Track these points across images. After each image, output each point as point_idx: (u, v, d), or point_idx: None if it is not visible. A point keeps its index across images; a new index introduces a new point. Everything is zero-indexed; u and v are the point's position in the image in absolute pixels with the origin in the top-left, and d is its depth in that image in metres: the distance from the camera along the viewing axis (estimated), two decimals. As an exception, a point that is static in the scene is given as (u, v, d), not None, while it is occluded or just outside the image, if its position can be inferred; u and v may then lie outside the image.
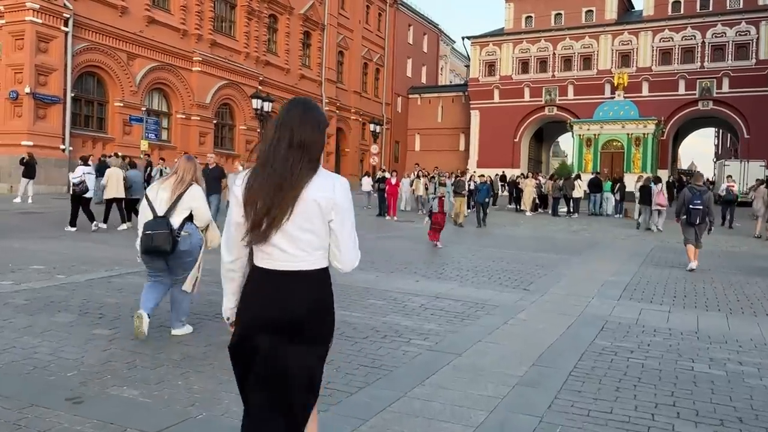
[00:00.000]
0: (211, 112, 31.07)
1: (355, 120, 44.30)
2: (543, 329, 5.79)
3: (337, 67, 42.28)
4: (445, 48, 61.26)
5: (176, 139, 29.65)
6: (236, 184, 2.22)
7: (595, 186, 24.07)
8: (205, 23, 30.52)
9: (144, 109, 27.28)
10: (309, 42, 39.29)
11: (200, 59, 29.90)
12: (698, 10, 39.78)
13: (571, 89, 43.05)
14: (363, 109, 44.76)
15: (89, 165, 12.87)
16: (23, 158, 19.51)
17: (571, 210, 23.40)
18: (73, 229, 12.16)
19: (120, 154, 14.40)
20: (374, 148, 35.90)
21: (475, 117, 46.32)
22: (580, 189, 23.13)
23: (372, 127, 35.29)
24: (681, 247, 13.96)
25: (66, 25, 23.55)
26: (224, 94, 31.90)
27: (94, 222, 12.58)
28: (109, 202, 13.18)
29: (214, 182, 12.69)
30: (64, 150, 23.72)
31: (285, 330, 2.16)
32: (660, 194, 17.13)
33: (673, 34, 40.20)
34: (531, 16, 45.05)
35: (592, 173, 27.59)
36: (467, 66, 52.97)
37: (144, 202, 5.02)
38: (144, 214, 4.95)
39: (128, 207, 13.27)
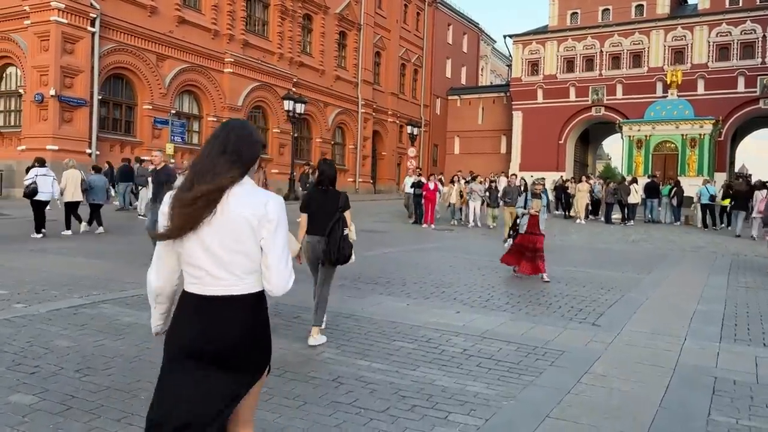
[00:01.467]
0: (244, 114, 30.03)
1: (392, 122, 42.89)
2: (633, 393, 4.21)
3: (374, 68, 40.96)
4: (486, 48, 59.38)
5: (207, 142, 28.66)
6: (164, 202, 2.15)
7: (652, 191, 22.02)
8: (237, 23, 29.55)
9: (173, 111, 26.42)
10: (344, 42, 38.07)
11: (232, 60, 28.94)
12: (758, 2, 37.10)
13: (619, 88, 40.77)
14: (400, 111, 43.33)
15: (45, 167, 12.22)
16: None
17: (627, 217, 21.44)
18: (39, 235, 11.74)
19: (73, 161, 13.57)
20: (411, 151, 34.46)
21: (517, 118, 44.40)
22: (636, 194, 21.16)
23: (409, 129, 33.86)
24: (763, 261, 12.11)
25: (93, 25, 22.77)
26: (257, 97, 30.88)
27: (83, 222, 12.84)
28: (68, 206, 12.74)
29: (161, 188, 8.66)
30: (90, 154, 22.91)
31: (213, 359, 2.06)
32: (764, 201, 15.10)
33: (731, 28, 37.59)
34: (576, 13, 42.91)
35: (648, 177, 25.47)
36: (509, 66, 51.07)
37: None
38: None
39: (93, 212, 13.32)
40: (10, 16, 22.53)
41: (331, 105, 36.38)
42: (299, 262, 5.33)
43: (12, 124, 23.62)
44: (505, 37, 45.75)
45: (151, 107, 25.16)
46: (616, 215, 21.97)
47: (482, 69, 58.29)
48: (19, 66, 22.83)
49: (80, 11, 22.26)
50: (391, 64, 42.57)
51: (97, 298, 6.41)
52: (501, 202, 16.73)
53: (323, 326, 5.36)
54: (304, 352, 4.91)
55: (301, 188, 23.40)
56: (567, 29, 42.70)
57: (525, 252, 9.02)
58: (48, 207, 12.17)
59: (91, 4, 22.62)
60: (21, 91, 22.77)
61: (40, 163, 12.21)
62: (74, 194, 12.48)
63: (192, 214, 2.02)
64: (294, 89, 31.72)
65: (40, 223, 11.85)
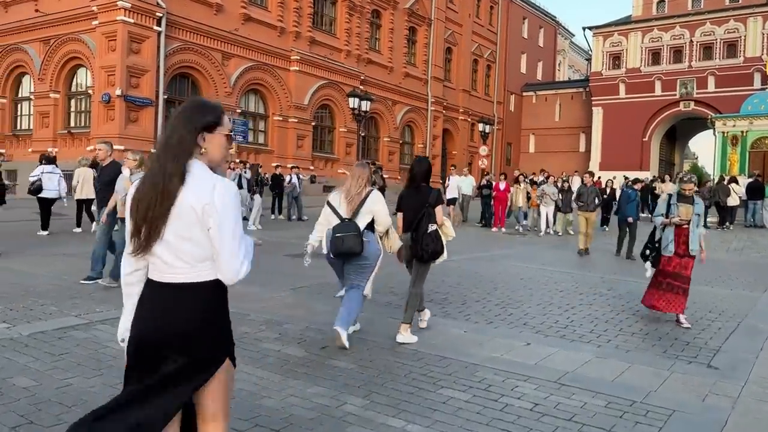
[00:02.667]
0: (310, 113, 29.43)
1: (464, 120, 41.34)
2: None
3: (445, 64, 39.55)
4: (563, 42, 56.73)
5: (273, 142, 28.23)
6: (129, 192, 2.17)
7: (755, 191, 19.64)
8: (304, 20, 28.93)
9: (239, 111, 26.06)
10: (414, 38, 36.88)
11: (298, 58, 28.33)
12: None
13: (711, 81, 37.62)
14: (472, 108, 41.71)
15: (52, 164, 12.31)
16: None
17: (724, 221, 19.21)
18: (45, 233, 11.86)
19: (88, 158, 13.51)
20: (483, 150, 32.84)
21: (597, 114, 41.89)
22: (735, 195, 18.90)
23: (481, 126, 32.26)
24: None
25: (159, 24, 22.60)
26: (323, 95, 30.18)
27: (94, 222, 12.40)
28: (80, 203, 12.72)
29: (105, 188, 7.74)
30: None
31: (166, 347, 2.03)
32: None
33: (840, 11, 33.94)
34: (663, 1, 40.01)
35: (751, 177, 22.91)
36: (588, 60, 48.48)
37: (327, 208, 5.23)
38: (328, 220, 5.16)
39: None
40: (79, 17, 22.67)
41: (400, 103, 35.29)
42: (399, 261, 5.52)
43: (82, 124, 23.82)
44: (584, 29, 43.31)
45: (232, 109, 24.82)
46: (712, 219, 19.76)
47: (559, 64, 55.73)
48: (88, 67, 22.94)
49: (146, 10, 22.12)
50: (462, 60, 41.04)
51: (97, 316, 5.53)
52: (575, 206, 14.62)
53: (425, 325, 5.55)
54: (320, 402, 3.76)
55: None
56: (653, 18, 39.85)
57: (664, 279, 6.38)
58: (65, 203, 12.50)
59: (158, 3, 22.45)
60: (90, 91, 22.89)
61: (47, 160, 12.19)
62: (86, 192, 12.29)
63: (155, 222, 2.04)
64: (361, 87, 30.85)
65: (46, 221, 11.92)
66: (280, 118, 28.14)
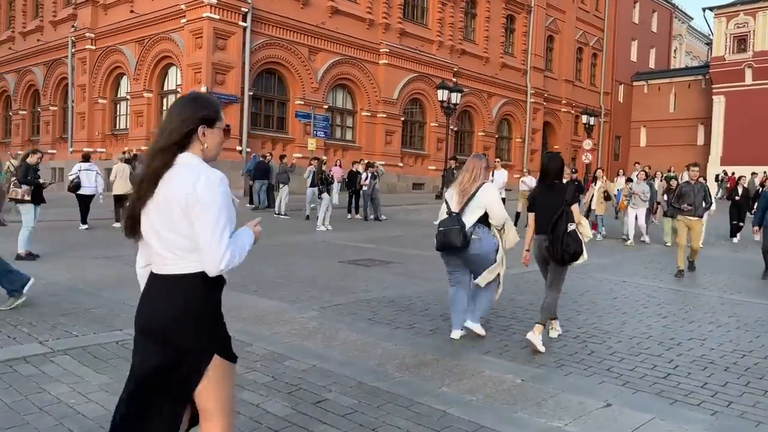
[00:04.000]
0: (399, 108, 28.36)
1: (566, 113, 38.70)
2: None
3: (546, 53, 37.15)
4: (680, 26, 52.14)
5: (361, 138, 27.43)
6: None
7: None
8: (394, 11, 27.87)
9: (325, 107, 25.44)
10: (513, 27, 34.84)
11: (387, 51, 27.33)
12: None
13: None
14: (576, 99, 38.97)
15: (89, 162, 12.92)
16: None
17: None
18: (85, 227, 12.54)
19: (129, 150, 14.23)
20: (587, 143, 30.43)
21: (718, 104, 37.91)
22: None
23: (585, 118, 29.96)
24: None
25: (244, 20, 22.34)
26: (414, 89, 29.00)
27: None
28: (117, 199, 13.12)
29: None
30: (240, 151, 22.57)
31: (151, 335, 2.10)
32: None
33: None
34: (799, -26, 35.51)
35: None
36: (708, 44, 44.15)
37: (443, 203, 5.22)
38: (441, 213, 5.16)
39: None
40: (169, 16, 22.86)
41: (496, 95, 33.45)
42: (525, 263, 5.30)
43: (173, 123, 24.04)
44: (704, 10, 39.43)
45: (303, 102, 24.30)
46: None
47: (675, 50, 51.30)
48: (178, 65, 23.10)
49: (232, 6, 21.90)
50: (565, 48, 38.44)
51: (71, 342, 4.64)
52: (684, 207, 11.83)
53: (555, 335, 5.41)
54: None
55: (443, 186, 20.79)
56: (786, -6, 35.48)
57: None
58: (101, 200, 13.41)
59: (243, -1, 22.20)
60: (178, 90, 23.02)
61: (84, 158, 12.92)
62: (123, 187, 12.72)
63: (137, 208, 2.13)
64: (454, 79, 29.41)
65: (84, 216, 12.56)
66: (368, 114, 27.29)
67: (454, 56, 30.79)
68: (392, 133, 28.16)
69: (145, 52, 24.00)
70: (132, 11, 24.37)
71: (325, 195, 13.84)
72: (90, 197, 12.70)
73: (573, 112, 38.62)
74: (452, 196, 5.07)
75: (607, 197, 14.37)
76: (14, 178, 7.97)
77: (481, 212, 4.96)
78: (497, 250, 5.05)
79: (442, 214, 5.08)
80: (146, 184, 2.06)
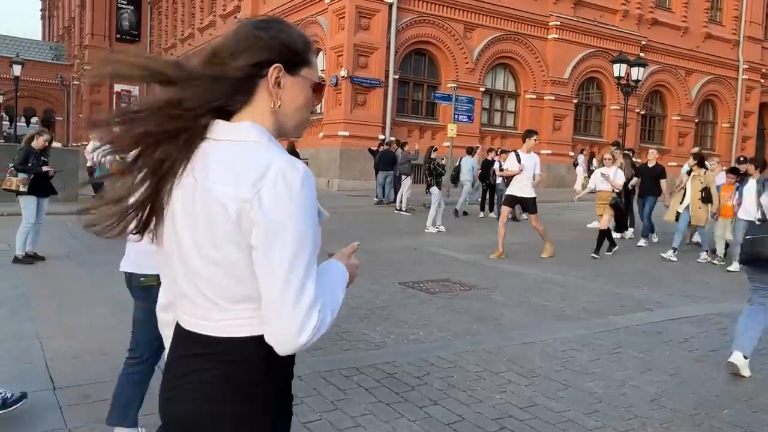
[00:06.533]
0: (571, 89, 24.68)
1: (792, 92, 31.58)
2: None
3: (765, 20, 30.49)
4: None
5: (524, 124, 24.17)
6: None
7: None
8: (567, -23, 24.22)
9: (482, 89, 22.78)
10: (721, -10, 29.02)
11: (558, 24, 23.80)
12: None
13: None
14: (806, 76, 31.62)
15: None
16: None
17: None
18: None
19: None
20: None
21: None
22: None
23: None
24: None
25: (390, -4, 20.49)
26: (589, 67, 25.09)
27: None
28: None
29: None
30: (383, 140, 20.77)
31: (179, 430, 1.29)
32: None
33: None
34: None
35: None
36: None
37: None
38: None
39: None
40: (316, -2, 21.80)
41: (697, 72, 28.03)
42: None
43: (318, 111, 23.07)
44: None
45: (455, 85, 21.82)
46: None
47: None
48: (324, 50, 21.98)
49: (375, -18, 20.17)
50: (793, 12, 31.29)
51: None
52: None
53: None
54: None
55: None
56: None
57: None
58: None
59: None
60: (322, 75, 21.86)
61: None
62: None
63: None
64: (642, 54, 24.90)
65: None
66: (534, 96, 24.06)
67: (643, 27, 26.20)
68: (562, 117, 24.61)
69: (295, 38, 23.23)
70: (285, -5, 23.77)
71: (434, 190, 11.41)
72: None
73: (802, 90, 31.34)
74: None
75: (706, 198, 9.21)
76: (12, 165, 6.76)
77: None
78: None
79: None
80: (175, 151, 1.18)
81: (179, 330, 1.32)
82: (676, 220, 9.57)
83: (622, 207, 9.08)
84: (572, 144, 24.89)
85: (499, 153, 14.27)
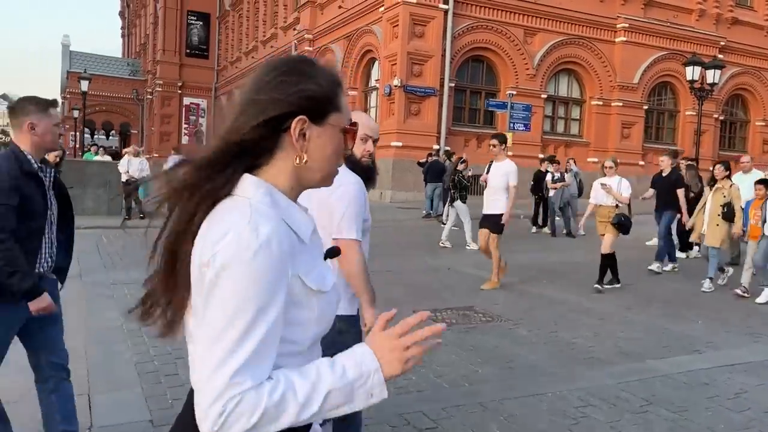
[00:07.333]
0: (641, 95, 23.22)
1: None
2: None
3: None
4: None
5: (590, 132, 23.04)
6: None
7: None
8: (636, -23, 22.86)
9: (544, 96, 21.77)
10: (812, -17, 26.66)
11: (626, 26, 22.47)
12: None
13: None
14: None
15: (180, 155, 11.52)
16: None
17: None
18: None
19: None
20: None
21: None
22: None
23: None
24: None
25: (445, 2, 19.86)
26: (661, 70, 23.55)
27: None
28: None
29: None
30: (437, 151, 20.14)
31: None
32: None
33: None
34: None
35: None
36: None
37: None
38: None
39: None
40: (371, 7, 21.46)
41: (784, 74, 25.88)
42: None
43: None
44: None
45: (515, 93, 20.91)
46: None
47: None
48: (378, 58, 21.60)
49: (431, -12, 19.61)
50: None
51: None
52: None
53: None
54: None
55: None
56: None
57: None
58: None
59: (445, -22, 19.72)
60: (376, 84, 21.49)
61: (176, 151, 12.32)
62: None
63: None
64: (720, 56, 23.13)
65: None
66: (600, 103, 22.80)
67: (722, 27, 24.41)
68: (631, 125, 23.20)
69: (351, 47, 23.01)
70: (340, 6, 23.57)
71: (458, 204, 10.61)
72: None
73: None
74: None
75: (728, 215, 7.79)
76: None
77: None
78: None
79: None
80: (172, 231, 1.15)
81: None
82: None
83: (628, 226, 7.61)
84: (642, 153, 23.41)
85: (552, 162, 13.30)
